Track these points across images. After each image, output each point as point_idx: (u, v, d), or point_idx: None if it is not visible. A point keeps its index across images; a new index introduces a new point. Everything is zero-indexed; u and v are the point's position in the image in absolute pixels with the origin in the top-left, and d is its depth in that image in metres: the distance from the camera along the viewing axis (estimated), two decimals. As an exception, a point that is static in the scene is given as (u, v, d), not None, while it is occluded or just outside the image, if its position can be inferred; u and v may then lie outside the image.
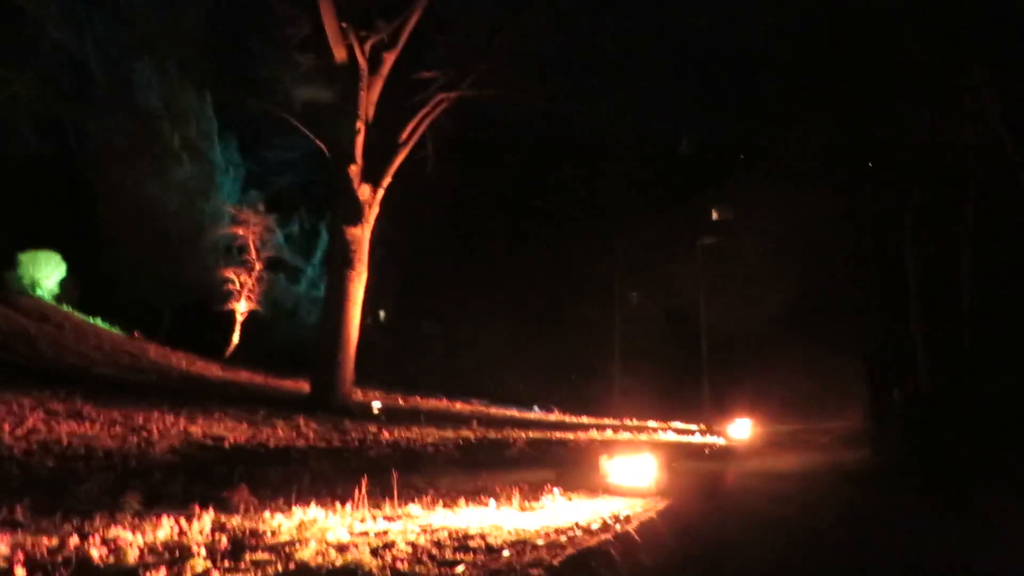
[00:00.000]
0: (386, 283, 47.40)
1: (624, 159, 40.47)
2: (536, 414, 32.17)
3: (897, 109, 25.31)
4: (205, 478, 10.92)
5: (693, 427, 26.14)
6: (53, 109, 33.53)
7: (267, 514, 8.47)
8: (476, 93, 24.06)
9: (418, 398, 32.39)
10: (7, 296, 26.38)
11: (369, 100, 23.01)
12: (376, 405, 24.39)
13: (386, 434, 18.86)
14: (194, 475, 11.29)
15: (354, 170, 22.74)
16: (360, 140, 22.76)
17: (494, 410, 31.70)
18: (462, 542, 7.89)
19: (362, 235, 23.16)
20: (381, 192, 23.44)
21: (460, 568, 6.78)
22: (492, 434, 20.91)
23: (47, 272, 29.83)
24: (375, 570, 6.55)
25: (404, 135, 23.61)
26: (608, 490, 12.03)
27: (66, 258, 30.84)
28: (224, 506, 9.16)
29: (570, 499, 11.31)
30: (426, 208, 37.34)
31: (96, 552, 6.43)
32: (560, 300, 43.89)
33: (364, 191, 22.96)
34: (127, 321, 31.66)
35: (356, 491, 9.35)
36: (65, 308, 29.32)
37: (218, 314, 34.50)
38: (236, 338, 34.02)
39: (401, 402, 29.75)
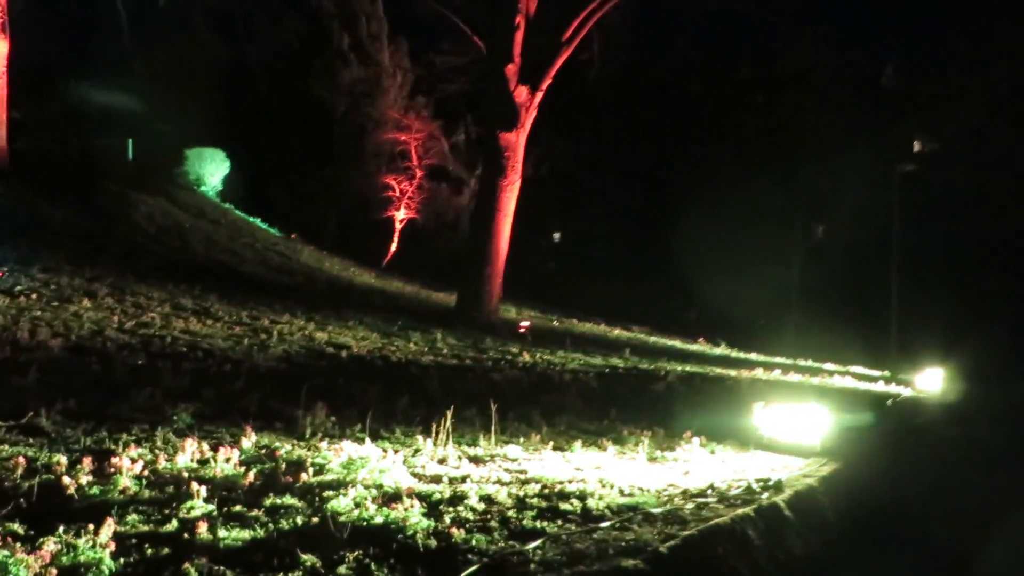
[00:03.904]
0: (555, 204, 45.90)
1: (815, 83, 36.78)
2: (700, 347, 29.90)
3: None
4: (292, 391, 9.62)
5: (876, 373, 23.26)
6: (227, 7, 33.28)
7: (325, 443, 7.03)
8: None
9: (575, 321, 30.80)
10: (169, 191, 26.44)
11: (531, -7, 21.03)
12: (524, 324, 22.93)
13: (526, 356, 17.36)
14: (284, 386, 10.06)
15: (511, 69, 20.90)
16: (519, 37, 20.84)
17: (655, 339, 29.69)
18: (553, 502, 6.18)
19: (517, 141, 21.40)
20: (540, 96, 21.54)
21: (531, 546, 5.07)
22: (643, 364, 19.06)
23: (212, 169, 29.88)
24: (419, 536, 4.94)
25: (567, 34, 21.46)
26: (762, 444, 9.97)
27: (232, 157, 30.80)
28: (290, 427, 7.83)
29: (712, 452, 9.37)
30: (592, 121, 35.15)
31: (72, 481, 5.11)
32: (736, 230, 41.00)
33: (521, 93, 21.12)
34: (291, 224, 31.51)
35: (440, 423, 7.75)
36: (226, 206, 29.31)
37: (379, 221, 33.98)
38: (394, 246, 33.39)
39: (556, 324, 28.22)
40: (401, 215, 33.31)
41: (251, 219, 29.38)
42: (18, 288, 13.94)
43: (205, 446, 6.19)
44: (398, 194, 33.11)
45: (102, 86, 31.71)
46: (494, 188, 21.62)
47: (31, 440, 6.27)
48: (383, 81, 36.01)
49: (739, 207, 39.47)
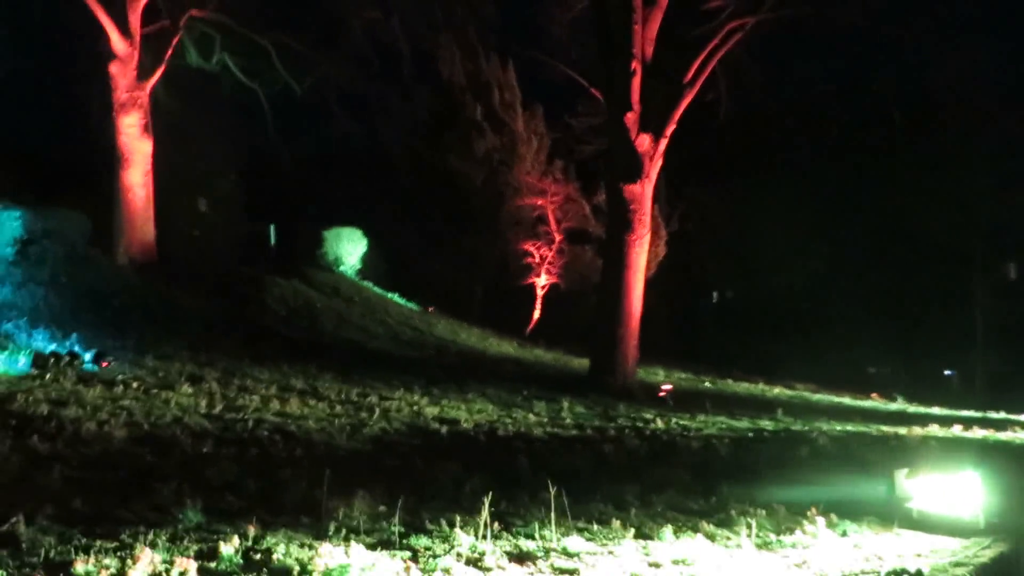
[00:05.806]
0: (714, 260, 43.99)
1: (980, 104, 33.59)
2: (872, 402, 27.24)
3: None
4: (346, 478, 8.50)
5: (1081, 425, 20.18)
6: (360, 89, 33.80)
7: (328, 546, 5.89)
8: (776, 16, 20.05)
9: (730, 381, 28.83)
10: (305, 272, 26.59)
11: (646, 37, 19.87)
12: (666, 387, 21.34)
13: (659, 422, 15.84)
14: (354, 471, 9.06)
15: (631, 118, 19.76)
16: (636, 83, 19.72)
17: (820, 396, 27.30)
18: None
19: (642, 192, 20.13)
20: (664, 143, 20.28)
21: None
22: (796, 426, 17.13)
23: (350, 249, 30.04)
24: None
25: (688, 76, 20.21)
26: (909, 521, 8.14)
27: (370, 234, 30.98)
28: (315, 523, 6.78)
29: (843, 533, 7.66)
30: (733, 167, 33.30)
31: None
32: (908, 272, 37.88)
33: (643, 141, 19.91)
34: (432, 298, 31.23)
35: (481, 511, 6.50)
36: (363, 283, 29.30)
37: (521, 289, 33.31)
38: (537, 313, 32.52)
39: (707, 385, 26.41)
40: (543, 281, 32.51)
41: (389, 295, 29.21)
42: (120, 377, 13.73)
43: (158, 558, 5.18)
44: (538, 260, 32.38)
45: (251, 175, 32.91)
46: (622, 244, 20.38)
47: (-12, 554, 5.46)
48: (519, 148, 35.57)
49: (909, 246, 36.57)
